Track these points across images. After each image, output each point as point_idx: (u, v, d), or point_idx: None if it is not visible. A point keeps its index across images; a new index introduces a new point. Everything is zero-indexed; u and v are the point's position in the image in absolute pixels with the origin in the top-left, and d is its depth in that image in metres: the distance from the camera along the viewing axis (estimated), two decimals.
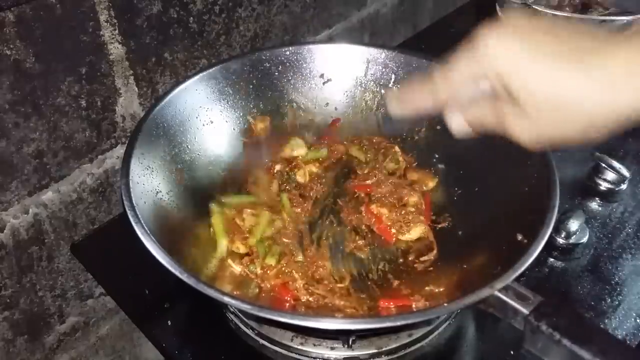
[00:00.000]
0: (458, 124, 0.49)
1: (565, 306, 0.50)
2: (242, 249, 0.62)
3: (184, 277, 0.47)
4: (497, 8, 1.01)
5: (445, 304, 0.47)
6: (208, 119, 0.71)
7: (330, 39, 1.00)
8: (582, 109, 0.40)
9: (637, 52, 0.38)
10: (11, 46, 0.57)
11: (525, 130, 0.43)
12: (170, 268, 0.48)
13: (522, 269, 0.49)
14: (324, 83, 0.78)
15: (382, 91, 0.77)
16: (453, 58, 0.45)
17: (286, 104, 0.77)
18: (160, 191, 0.61)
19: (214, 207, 0.66)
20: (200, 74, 0.70)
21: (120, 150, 0.73)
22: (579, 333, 0.45)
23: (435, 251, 0.64)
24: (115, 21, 0.65)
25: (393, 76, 0.77)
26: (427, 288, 0.58)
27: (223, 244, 0.62)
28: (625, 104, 0.38)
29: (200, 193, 0.67)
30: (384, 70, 0.77)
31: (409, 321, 0.49)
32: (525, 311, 0.47)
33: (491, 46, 0.42)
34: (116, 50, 0.67)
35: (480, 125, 0.47)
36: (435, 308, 0.49)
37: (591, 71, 0.39)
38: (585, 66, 0.39)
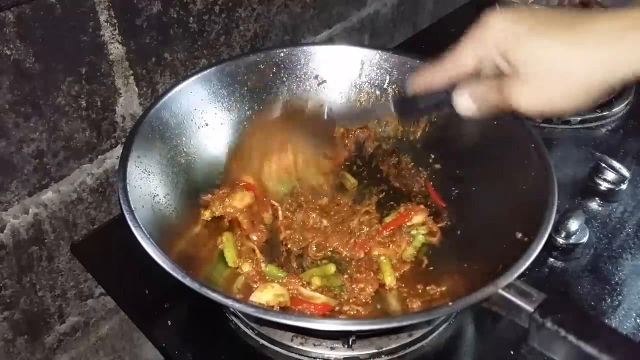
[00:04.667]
0: (464, 101, 0.51)
1: (569, 303, 0.50)
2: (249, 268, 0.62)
3: (186, 281, 0.47)
4: (497, 8, 1.01)
5: (450, 303, 0.47)
6: (203, 122, 0.70)
7: (330, 39, 1.00)
8: (576, 72, 0.43)
9: (624, 17, 0.41)
10: (11, 46, 0.57)
11: (526, 98, 0.46)
12: (172, 272, 0.48)
13: (525, 265, 0.49)
14: (318, 84, 0.78)
15: (377, 92, 0.77)
16: (460, 41, 0.49)
17: (281, 105, 0.77)
18: (158, 194, 0.61)
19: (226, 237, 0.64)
20: (194, 76, 0.69)
21: (120, 151, 0.72)
22: (585, 329, 0.45)
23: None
24: (115, 21, 0.65)
25: (388, 77, 0.77)
26: (428, 288, 0.58)
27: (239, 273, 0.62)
28: (614, 65, 0.42)
29: (198, 196, 0.67)
30: (378, 71, 0.77)
31: (415, 321, 0.49)
32: (530, 308, 0.47)
33: (492, 26, 0.46)
34: (116, 50, 0.67)
35: (485, 100, 0.49)
36: (439, 307, 0.49)
37: (581, 36, 0.43)
38: (576, 33, 0.43)
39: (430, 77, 0.53)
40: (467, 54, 0.49)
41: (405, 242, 0.65)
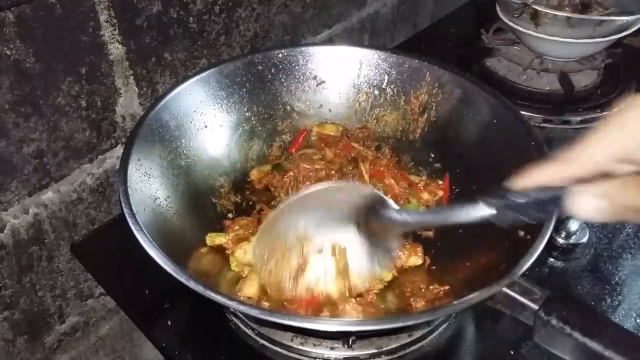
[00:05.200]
0: (588, 202, 0.39)
1: (574, 300, 0.50)
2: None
3: (190, 284, 0.47)
4: (497, 8, 1.01)
5: (455, 302, 0.47)
6: (202, 123, 0.70)
7: (330, 39, 1.00)
8: None
9: None
10: (11, 46, 0.57)
11: None
12: (174, 274, 0.48)
13: (529, 263, 0.49)
14: (317, 85, 0.78)
15: (376, 92, 0.77)
16: (593, 134, 0.38)
17: (280, 106, 0.77)
18: (159, 197, 0.61)
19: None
20: (193, 78, 0.69)
21: (120, 150, 0.73)
22: (590, 326, 0.45)
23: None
24: (115, 21, 0.65)
25: (386, 77, 0.77)
26: (431, 287, 0.58)
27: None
28: None
29: (199, 198, 0.67)
30: (377, 71, 0.77)
31: (420, 320, 0.49)
32: (534, 306, 0.47)
33: None
34: (116, 50, 0.67)
35: (620, 201, 0.38)
36: (444, 307, 0.49)
37: None
38: None
39: (543, 177, 0.41)
40: (600, 149, 0.37)
41: None
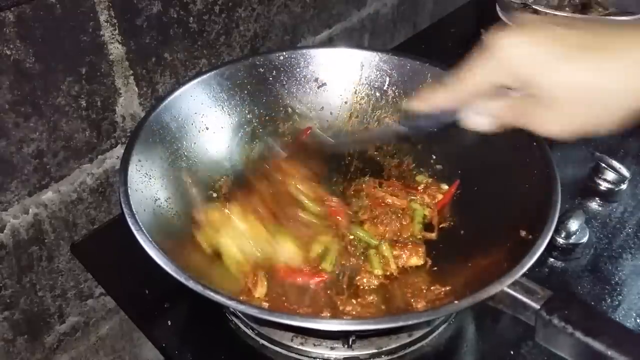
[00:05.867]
0: (475, 119, 0.50)
1: (575, 299, 0.50)
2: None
3: (189, 283, 0.47)
4: (497, 8, 1.01)
5: (456, 301, 0.47)
6: (204, 125, 0.70)
7: (330, 39, 1.00)
8: (600, 98, 0.41)
9: None
10: (11, 46, 0.57)
11: (551, 123, 0.44)
12: (174, 274, 0.48)
13: (531, 262, 0.49)
14: (318, 87, 0.78)
15: (377, 94, 0.77)
16: (467, 66, 0.46)
17: (281, 108, 0.77)
18: (159, 198, 0.61)
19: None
20: (194, 80, 0.69)
21: (120, 151, 0.73)
22: (592, 325, 0.45)
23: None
24: (115, 21, 0.65)
25: (387, 79, 0.77)
26: (432, 287, 0.58)
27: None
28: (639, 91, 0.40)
29: (200, 199, 0.66)
30: (378, 73, 0.77)
31: (422, 319, 0.49)
32: (536, 306, 0.47)
33: (506, 49, 0.43)
34: (116, 50, 0.67)
35: (499, 119, 0.48)
36: (446, 306, 0.49)
37: (612, 60, 0.41)
38: (607, 56, 0.41)
39: (436, 98, 0.51)
40: (477, 78, 0.46)
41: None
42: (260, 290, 0.58)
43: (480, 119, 0.50)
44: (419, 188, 0.71)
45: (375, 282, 0.61)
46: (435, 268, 0.62)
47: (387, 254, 0.62)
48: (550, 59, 0.42)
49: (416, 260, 0.62)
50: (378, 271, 0.61)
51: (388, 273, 0.62)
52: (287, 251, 0.60)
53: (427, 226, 0.67)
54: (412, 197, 0.69)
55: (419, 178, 0.73)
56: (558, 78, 0.42)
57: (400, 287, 0.61)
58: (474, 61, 0.46)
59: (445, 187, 0.71)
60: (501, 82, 0.45)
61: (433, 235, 0.66)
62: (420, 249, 0.63)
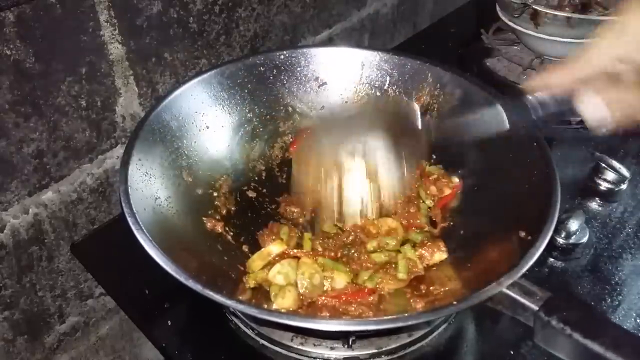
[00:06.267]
0: (595, 107, 0.44)
1: (574, 300, 0.50)
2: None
3: (189, 283, 0.47)
4: (497, 8, 1.01)
5: (455, 302, 0.47)
6: (204, 124, 0.70)
7: (330, 39, 1.00)
8: None
9: None
10: (11, 46, 0.57)
11: None
12: (174, 274, 0.48)
13: (530, 263, 0.49)
14: (319, 86, 0.78)
15: (378, 93, 0.77)
16: (595, 39, 0.42)
17: (282, 107, 0.77)
18: (160, 197, 0.61)
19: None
20: (195, 79, 0.69)
21: (120, 151, 0.73)
22: (590, 327, 0.45)
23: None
24: (115, 21, 0.65)
25: (388, 78, 0.77)
26: (431, 288, 0.58)
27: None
28: None
29: (200, 199, 0.66)
30: (378, 72, 0.77)
31: (421, 320, 0.49)
32: (534, 307, 0.47)
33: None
34: (116, 50, 0.67)
35: (625, 109, 0.43)
36: (445, 307, 0.49)
37: None
38: None
39: (551, 79, 0.45)
40: (601, 53, 0.41)
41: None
42: (285, 302, 0.56)
43: (600, 109, 0.44)
44: (430, 178, 0.71)
45: (398, 286, 0.60)
46: (435, 269, 0.62)
47: (411, 255, 0.62)
48: None
49: (440, 255, 0.62)
50: (403, 275, 0.60)
51: (413, 276, 0.61)
52: (339, 283, 0.59)
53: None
54: (420, 185, 0.70)
55: (431, 168, 0.72)
56: None
57: (426, 284, 0.60)
58: (600, 35, 0.41)
59: (456, 180, 0.71)
60: (627, 56, 0.40)
61: (436, 231, 0.66)
62: (440, 243, 0.63)
